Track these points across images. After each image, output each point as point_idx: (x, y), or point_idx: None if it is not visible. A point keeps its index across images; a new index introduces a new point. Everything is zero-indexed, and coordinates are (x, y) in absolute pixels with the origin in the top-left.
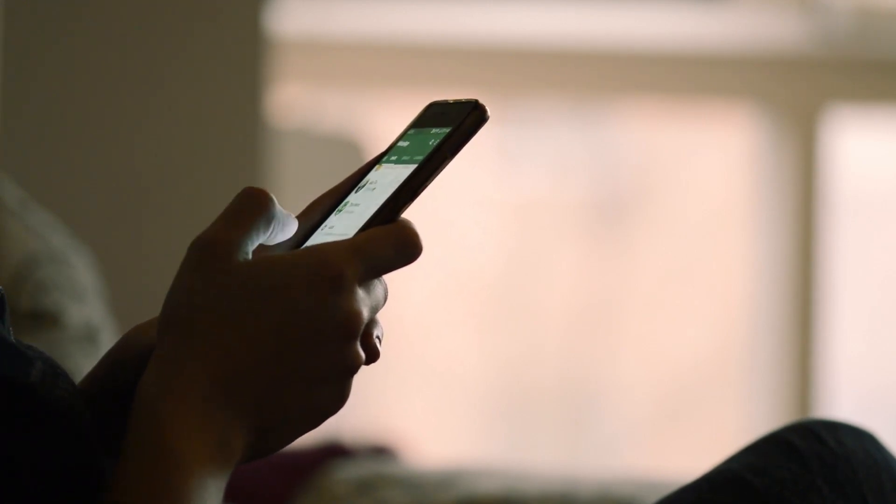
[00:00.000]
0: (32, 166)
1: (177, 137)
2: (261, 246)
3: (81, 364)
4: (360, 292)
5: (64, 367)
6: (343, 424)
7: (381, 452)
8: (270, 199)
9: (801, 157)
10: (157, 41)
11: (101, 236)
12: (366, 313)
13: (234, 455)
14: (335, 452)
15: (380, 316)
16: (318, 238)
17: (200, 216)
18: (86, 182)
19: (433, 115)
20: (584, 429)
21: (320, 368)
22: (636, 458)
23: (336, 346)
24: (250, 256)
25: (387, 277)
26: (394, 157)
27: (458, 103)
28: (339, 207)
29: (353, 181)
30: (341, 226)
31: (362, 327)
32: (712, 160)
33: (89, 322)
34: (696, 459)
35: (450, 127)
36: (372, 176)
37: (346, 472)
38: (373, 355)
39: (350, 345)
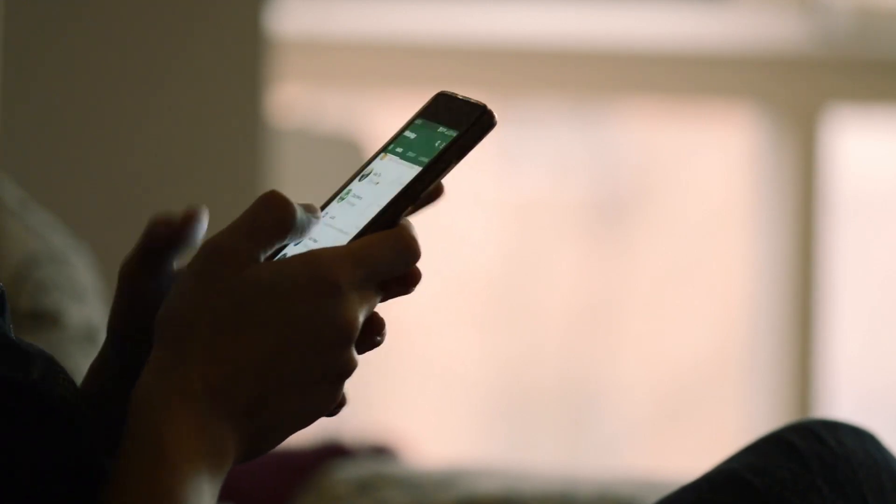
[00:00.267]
0: (32, 166)
1: (177, 137)
2: None
3: (81, 364)
4: (358, 298)
5: (64, 367)
6: (343, 424)
7: (381, 452)
8: (294, 215)
9: (801, 157)
10: (157, 41)
11: (101, 236)
12: (362, 319)
13: (228, 457)
14: (335, 452)
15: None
16: (318, 228)
17: None
18: (86, 182)
19: (442, 108)
20: (584, 429)
21: (314, 373)
22: (636, 458)
23: (331, 352)
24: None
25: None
26: (399, 150)
27: (467, 103)
28: (342, 195)
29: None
30: (342, 219)
31: (357, 333)
32: (712, 160)
33: (89, 322)
34: (696, 459)
35: (456, 131)
36: (377, 166)
37: (346, 472)
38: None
39: (345, 351)
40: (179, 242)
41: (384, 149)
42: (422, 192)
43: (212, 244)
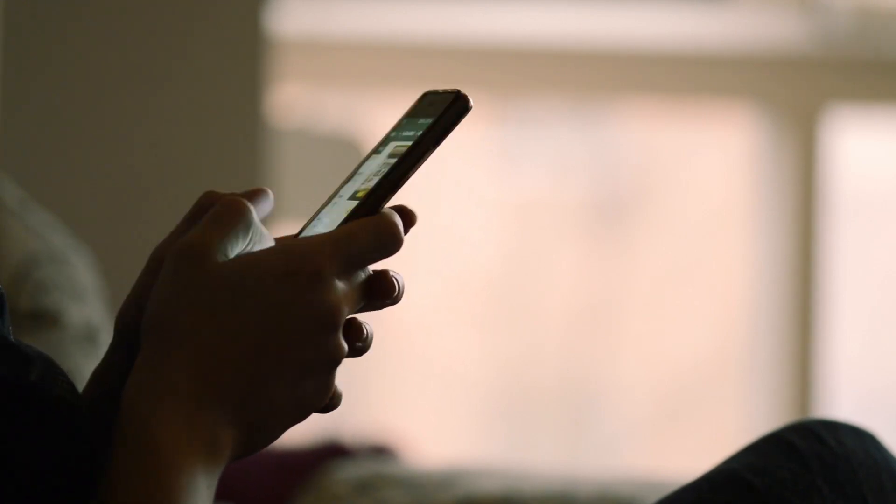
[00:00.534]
0: (32, 166)
1: (177, 137)
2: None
3: (81, 364)
4: (341, 284)
5: (64, 367)
6: (343, 424)
7: (381, 452)
8: (248, 208)
9: (801, 157)
10: (157, 41)
11: (101, 236)
12: (346, 305)
13: (223, 451)
14: (335, 452)
15: (380, 315)
16: (307, 232)
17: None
18: (86, 182)
19: (425, 104)
20: (584, 429)
21: (303, 361)
22: (636, 458)
23: (317, 339)
24: (230, 259)
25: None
26: (382, 149)
27: (444, 93)
28: (331, 199)
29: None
30: (329, 218)
31: (343, 319)
32: (712, 160)
33: (89, 322)
34: (696, 459)
35: (432, 118)
36: (364, 167)
37: (346, 472)
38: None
39: (332, 337)
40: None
41: (372, 152)
42: (400, 179)
43: (180, 245)
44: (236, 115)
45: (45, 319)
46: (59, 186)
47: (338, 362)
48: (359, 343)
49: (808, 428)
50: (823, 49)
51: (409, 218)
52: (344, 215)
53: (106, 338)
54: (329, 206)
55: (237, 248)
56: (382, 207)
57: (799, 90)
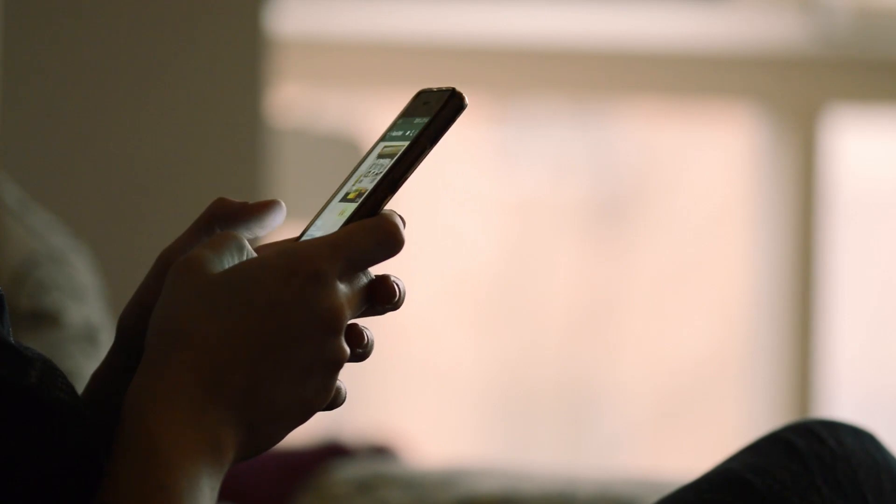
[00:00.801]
0: (32, 166)
1: (177, 137)
2: None
3: (81, 364)
4: (342, 287)
5: (64, 367)
6: (343, 424)
7: (381, 452)
8: (240, 235)
9: (801, 157)
10: (157, 41)
11: (101, 236)
12: (348, 308)
13: (226, 453)
14: (335, 452)
15: (380, 315)
16: (307, 235)
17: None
18: (86, 182)
19: (420, 103)
20: (584, 429)
21: (304, 362)
22: (636, 458)
23: (319, 340)
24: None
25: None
26: (379, 149)
27: (439, 91)
28: (330, 201)
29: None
30: (329, 221)
31: (345, 321)
32: (712, 160)
33: (89, 322)
34: (696, 459)
35: (429, 117)
36: (361, 168)
37: (346, 472)
38: (362, 351)
39: (333, 338)
40: (247, 221)
41: (368, 154)
42: (399, 179)
43: (178, 261)
44: (236, 115)
45: (45, 319)
46: (59, 186)
47: (340, 364)
48: (359, 349)
49: (808, 428)
50: (823, 49)
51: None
52: (342, 218)
53: (106, 338)
54: (327, 208)
55: (231, 264)
56: (382, 208)
57: (799, 90)
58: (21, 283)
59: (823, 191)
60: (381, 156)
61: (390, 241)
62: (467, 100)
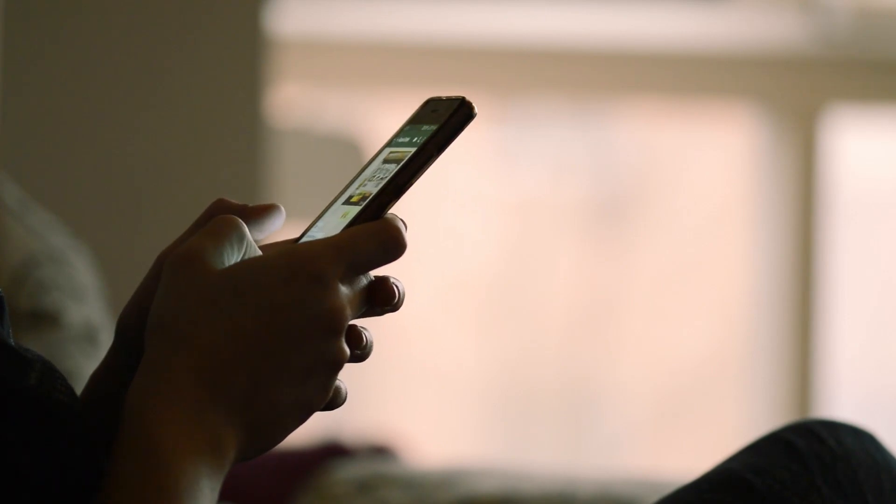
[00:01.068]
0: (32, 166)
1: (177, 137)
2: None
3: (81, 364)
4: (343, 289)
5: (64, 367)
6: (343, 424)
7: (381, 452)
8: (240, 223)
9: (801, 157)
10: (157, 41)
11: (101, 236)
12: (350, 309)
13: (226, 454)
14: (335, 452)
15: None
16: (307, 237)
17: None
18: (86, 182)
19: (428, 111)
20: (584, 429)
21: (305, 363)
22: (636, 458)
23: (320, 341)
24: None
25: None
26: (385, 154)
27: (448, 100)
28: (332, 204)
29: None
30: (330, 224)
31: (346, 322)
32: (712, 160)
33: (89, 322)
34: (696, 459)
35: (437, 124)
36: (365, 173)
37: (346, 472)
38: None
39: (334, 339)
40: (246, 224)
41: (373, 158)
42: (404, 185)
43: (177, 254)
44: (236, 115)
45: (45, 319)
46: (59, 186)
47: (340, 365)
48: (358, 350)
49: (808, 428)
50: (823, 49)
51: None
52: (345, 221)
53: (106, 338)
54: (329, 211)
55: (232, 258)
56: (386, 213)
57: (799, 90)
58: (21, 283)
59: (823, 191)
60: (386, 161)
61: (393, 245)
62: (477, 109)
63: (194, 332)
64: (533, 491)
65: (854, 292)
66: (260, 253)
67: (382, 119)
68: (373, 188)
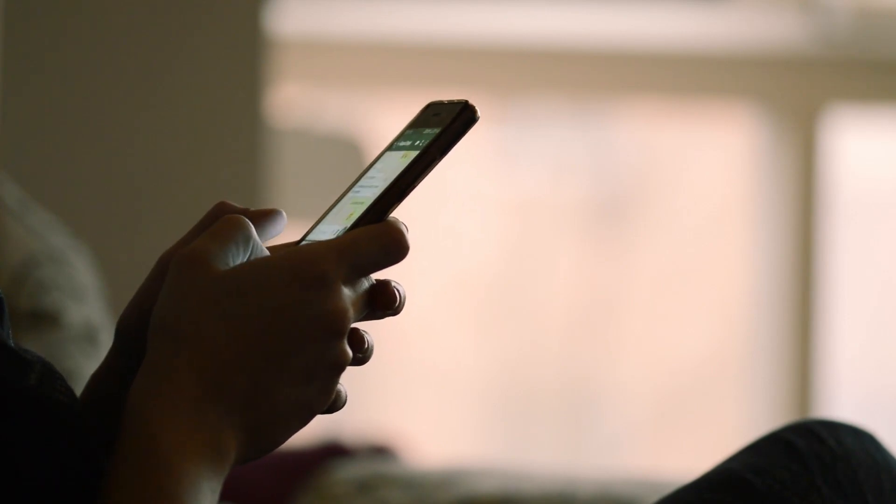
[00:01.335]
0: (32, 166)
1: (177, 137)
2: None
3: (81, 364)
4: (346, 291)
5: (64, 367)
6: (343, 424)
7: (381, 452)
8: (247, 223)
9: (801, 157)
10: (157, 41)
11: (101, 236)
12: (352, 312)
13: (227, 455)
14: (335, 452)
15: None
16: (310, 238)
17: (200, 216)
18: (86, 182)
19: (430, 115)
20: (584, 429)
21: (307, 364)
22: (636, 458)
23: (322, 343)
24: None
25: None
26: (386, 157)
27: (451, 103)
28: (333, 207)
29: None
30: (332, 226)
31: (349, 325)
32: (712, 160)
33: (89, 322)
34: (696, 459)
35: (440, 128)
36: (366, 176)
37: (346, 472)
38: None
39: (336, 342)
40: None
41: (374, 162)
42: (407, 187)
43: (182, 255)
44: (236, 115)
45: (45, 319)
46: (59, 186)
47: (342, 368)
48: (359, 353)
49: (808, 428)
50: (823, 49)
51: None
52: (348, 222)
53: (106, 338)
54: (331, 213)
55: (237, 259)
56: (388, 215)
57: (799, 90)
58: (21, 284)
59: (823, 191)
60: (388, 164)
61: (395, 248)
62: (479, 112)
63: (196, 333)
64: (533, 491)
65: (854, 292)
66: (267, 253)
67: (382, 119)
68: (375, 191)
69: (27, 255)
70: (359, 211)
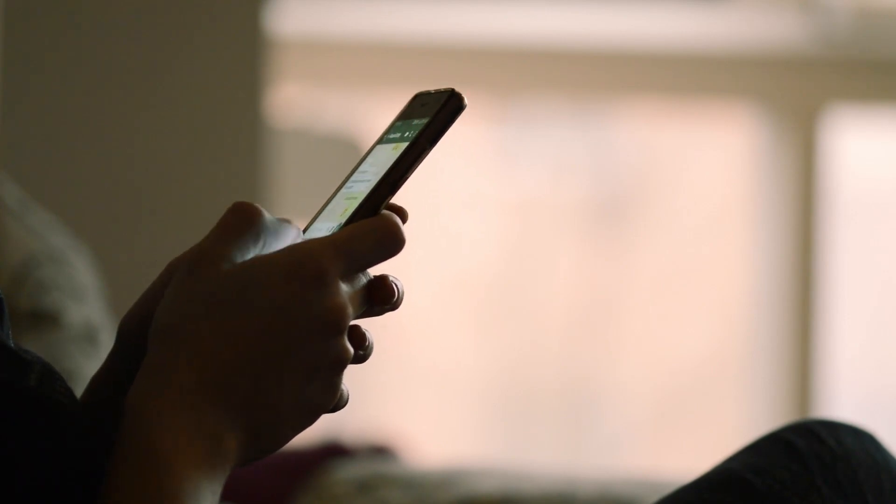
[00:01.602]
0: (32, 166)
1: (177, 137)
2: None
3: (81, 364)
4: (344, 287)
5: (64, 368)
6: (343, 424)
7: (381, 452)
8: (259, 213)
9: (801, 157)
10: (157, 41)
11: (101, 236)
12: (351, 308)
13: (228, 456)
14: (335, 452)
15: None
16: (308, 235)
17: (200, 216)
18: (86, 182)
19: (417, 106)
20: (584, 429)
21: (308, 363)
22: (636, 458)
23: (322, 340)
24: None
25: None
26: (377, 151)
27: (438, 93)
28: (328, 203)
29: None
30: (327, 223)
31: (348, 321)
32: (712, 160)
33: (89, 322)
34: (696, 459)
35: (428, 117)
36: (359, 170)
37: (346, 472)
38: (363, 353)
39: (336, 339)
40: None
41: (366, 156)
42: (399, 179)
43: (189, 254)
44: (236, 115)
45: (45, 319)
46: (59, 186)
47: (344, 365)
48: (360, 350)
49: (808, 428)
50: (823, 49)
51: (401, 214)
52: (343, 218)
53: (106, 338)
54: (325, 211)
55: (247, 256)
56: (382, 208)
57: (799, 90)
58: (21, 284)
59: (823, 191)
60: (379, 157)
61: (391, 241)
62: (466, 100)
63: (196, 334)
64: (533, 491)
65: (854, 292)
66: (284, 233)
67: (382, 119)
68: (368, 185)
69: (27, 255)
70: (353, 206)
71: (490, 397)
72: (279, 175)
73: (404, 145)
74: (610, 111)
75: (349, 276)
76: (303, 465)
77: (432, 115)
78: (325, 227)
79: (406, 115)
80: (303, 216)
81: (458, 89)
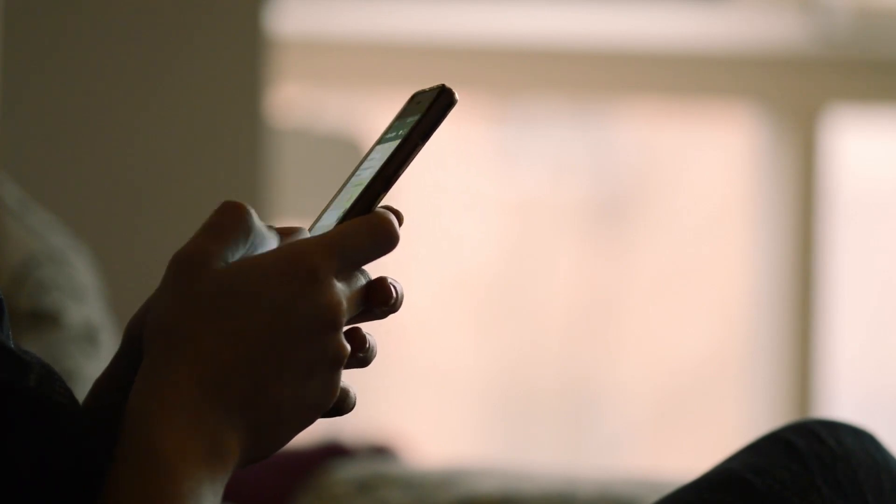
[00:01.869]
0: (32, 166)
1: (177, 137)
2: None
3: (81, 364)
4: (339, 285)
5: (64, 368)
6: (343, 424)
7: (381, 452)
8: (248, 212)
9: (801, 157)
10: (157, 41)
11: (101, 236)
12: (346, 305)
13: (228, 457)
14: (335, 452)
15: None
16: (319, 224)
17: (200, 216)
18: (86, 182)
19: (412, 104)
20: (584, 429)
21: (305, 361)
22: (636, 458)
23: (318, 338)
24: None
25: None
26: (374, 152)
27: (430, 90)
28: (329, 204)
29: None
30: (325, 222)
31: (344, 318)
32: (712, 160)
33: (89, 322)
34: (696, 459)
35: (419, 114)
36: (359, 170)
37: (346, 472)
38: (364, 356)
39: (333, 336)
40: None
41: (365, 156)
42: (392, 176)
43: (180, 254)
44: (236, 115)
45: (45, 319)
46: (59, 186)
47: (341, 362)
48: (361, 353)
49: (808, 428)
50: (823, 49)
51: (396, 216)
52: (339, 217)
53: (106, 338)
54: (326, 211)
55: (237, 255)
56: (376, 206)
57: (799, 90)
58: (21, 284)
59: (823, 191)
60: (375, 157)
61: (385, 238)
62: (457, 95)
63: (193, 335)
64: (533, 491)
65: (854, 292)
66: (271, 236)
67: (382, 119)
68: (363, 184)
69: (27, 255)
70: (348, 205)
71: (490, 397)
72: (279, 175)
73: (397, 142)
74: (610, 111)
75: (344, 273)
76: (303, 465)
77: (423, 111)
78: (322, 226)
79: (402, 115)
80: (303, 216)
81: (448, 85)
